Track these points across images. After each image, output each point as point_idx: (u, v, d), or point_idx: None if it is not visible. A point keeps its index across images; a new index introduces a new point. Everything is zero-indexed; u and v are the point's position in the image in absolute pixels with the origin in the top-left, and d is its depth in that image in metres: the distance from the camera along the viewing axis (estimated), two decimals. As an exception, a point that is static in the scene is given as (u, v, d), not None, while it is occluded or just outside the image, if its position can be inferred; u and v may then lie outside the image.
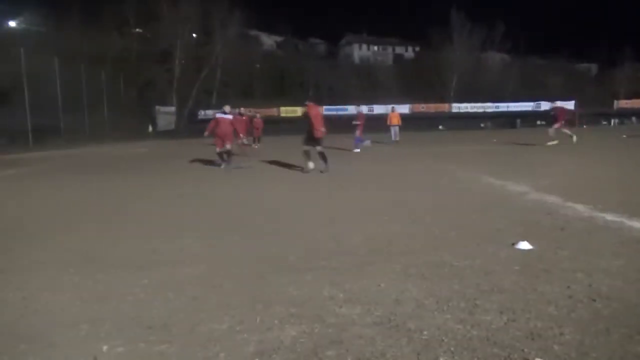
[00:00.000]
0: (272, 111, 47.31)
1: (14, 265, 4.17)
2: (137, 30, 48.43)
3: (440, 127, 48.18)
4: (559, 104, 20.64)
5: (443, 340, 2.50)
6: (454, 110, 51.92)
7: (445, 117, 50.72)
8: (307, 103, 11.13)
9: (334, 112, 47.36)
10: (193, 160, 15.00)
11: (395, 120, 22.44)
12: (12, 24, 34.99)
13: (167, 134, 41.24)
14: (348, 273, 3.67)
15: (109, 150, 22.42)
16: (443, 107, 52.31)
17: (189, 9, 45.09)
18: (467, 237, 4.59)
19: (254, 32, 62.76)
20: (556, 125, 17.69)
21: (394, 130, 22.35)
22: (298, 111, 48.30)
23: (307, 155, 10.57)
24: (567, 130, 17.98)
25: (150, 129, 39.62)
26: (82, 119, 32.92)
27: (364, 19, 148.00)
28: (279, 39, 69.64)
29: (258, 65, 56.03)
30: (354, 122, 18.38)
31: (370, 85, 57.58)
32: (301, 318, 2.85)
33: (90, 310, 3.10)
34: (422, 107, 51.03)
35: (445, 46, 55.29)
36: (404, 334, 2.59)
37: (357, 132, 18.21)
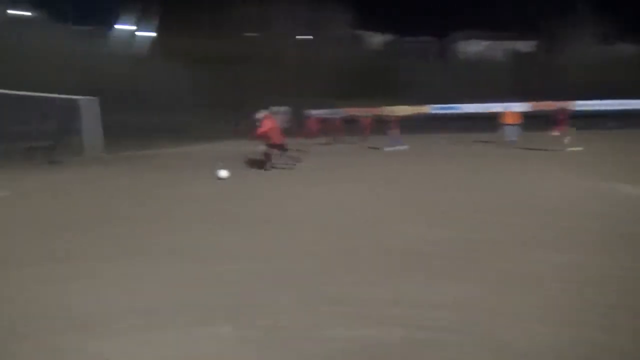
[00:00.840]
0: (377, 111, 46.77)
1: (119, 251, 4.37)
2: (250, 33, 50.86)
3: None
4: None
5: None
6: (579, 108, 47.19)
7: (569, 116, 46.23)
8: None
9: (442, 112, 45.63)
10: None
11: (510, 119, 20.77)
12: (143, 32, 38.60)
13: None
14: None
15: (213, 147, 23.66)
16: (565, 105, 47.75)
17: (296, 11, 46.32)
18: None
19: (359, 32, 62.72)
20: None
21: (509, 130, 20.67)
22: (405, 110, 47.37)
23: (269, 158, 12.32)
24: None
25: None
26: (188, 119, 35.06)
27: (476, 13, 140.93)
28: (385, 37, 68.86)
29: (364, 65, 55.80)
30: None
31: (482, 83, 54.56)
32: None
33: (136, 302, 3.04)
34: (541, 105, 47.12)
35: (569, 38, 50.50)
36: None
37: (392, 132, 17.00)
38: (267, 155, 12.63)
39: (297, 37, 48.86)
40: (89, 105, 19.98)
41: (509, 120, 20.75)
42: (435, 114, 46.82)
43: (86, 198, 8.12)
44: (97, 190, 9.05)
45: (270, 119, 13.04)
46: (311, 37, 50.46)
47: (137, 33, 38.98)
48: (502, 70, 56.51)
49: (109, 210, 6.90)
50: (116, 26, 37.62)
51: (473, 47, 73.25)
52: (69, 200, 7.97)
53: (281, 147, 12.78)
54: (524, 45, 73.49)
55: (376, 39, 69.86)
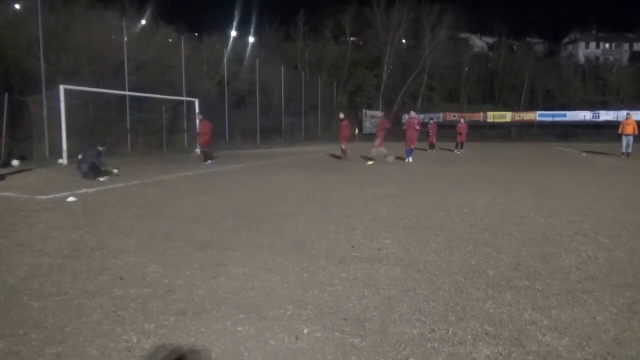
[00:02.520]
0: (478, 116, 45.16)
1: (240, 245, 4.87)
2: (352, 38, 51.67)
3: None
4: None
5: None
6: None
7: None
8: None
9: (550, 118, 42.94)
10: (390, 162, 15.35)
11: (629, 129, 19.10)
12: (250, 39, 40.91)
13: (372, 137, 42.98)
14: (556, 298, 3.31)
15: (318, 149, 24.40)
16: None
17: (401, 16, 46.18)
18: None
19: (464, 35, 60.86)
20: None
21: (627, 141, 19.04)
22: (507, 116, 45.27)
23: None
24: None
25: (357, 131, 41.79)
26: (299, 121, 36.64)
27: (593, 13, 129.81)
28: (491, 40, 66.09)
29: (466, 69, 54.11)
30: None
31: (597, 89, 50.41)
32: (497, 338, 2.68)
33: (295, 294, 3.45)
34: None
35: None
36: (624, 380, 2.22)
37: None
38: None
39: (400, 41, 48.66)
40: (193, 106, 21.78)
41: (627, 130, 19.12)
42: (540, 121, 43.97)
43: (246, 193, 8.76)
44: (248, 187, 9.75)
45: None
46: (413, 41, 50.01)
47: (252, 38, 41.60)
48: (622, 75, 51.57)
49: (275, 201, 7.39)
50: (234, 33, 40.51)
51: (588, 50, 67.89)
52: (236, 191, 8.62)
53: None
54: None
55: (480, 42, 67.39)
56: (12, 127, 15.50)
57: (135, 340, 2.70)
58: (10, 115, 15.07)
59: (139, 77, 22.02)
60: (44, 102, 16.70)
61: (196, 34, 37.07)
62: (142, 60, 22.92)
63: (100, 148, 11.42)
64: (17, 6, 20.98)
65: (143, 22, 27.48)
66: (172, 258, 4.37)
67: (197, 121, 17.22)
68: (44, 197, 8.15)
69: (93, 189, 9.12)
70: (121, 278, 3.79)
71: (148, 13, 29.52)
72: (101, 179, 10.66)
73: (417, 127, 16.79)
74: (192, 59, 26.14)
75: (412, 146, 16.56)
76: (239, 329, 2.85)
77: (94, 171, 10.80)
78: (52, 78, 17.18)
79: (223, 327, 2.86)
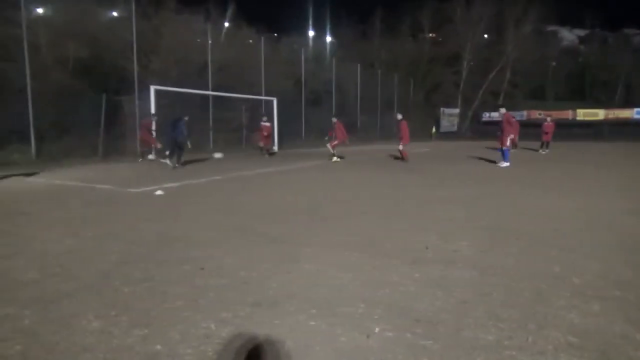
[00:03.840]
0: (566, 114, 42.29)
1: (312, 241, 4.96)
2: (430, 35, 50.46)
3: None
4: None
5: None
6: None
7: None
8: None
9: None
10: (468, 162, 14.81)
11: None
12: (327, 38, 41.34)
13: (449, 136, 41.80)
14: (651, 311, 3.04)
15: (393, 148, 24.13)
16: None
17: (482, 10, 44.34)
18: None
19: (552, 28, 57.25)
20: None
21: None
22: (599, 114, 42.00)
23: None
24: None
25: (434, 130, 40.83)
26: (375, 119, 36.44)
27: None
28: (582, 32, 61.72)
29: (554, 64, 50.95)
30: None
31: None
32: (582, 350, 2.52)
33: (367, 292, 3.45)
34: None
35: None
36: None
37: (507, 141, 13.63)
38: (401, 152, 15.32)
39: (481, 36, 46.72)
40: (272, 105, 22.32)
41: None
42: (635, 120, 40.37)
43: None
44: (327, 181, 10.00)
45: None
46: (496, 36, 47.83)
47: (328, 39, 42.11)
48: None
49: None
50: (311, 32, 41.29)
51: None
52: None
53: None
54: None
55: (571, 35, 63.11)
56: (109, 126, 16.83)
57: (213, 328, 2.84)
58: (107, 114, 16.38)
59: (220, 78, 23.03)
60: (137, 102, 18.02)
61: (275, 34, 38.09)
62: (224, 62, 23.93)
63: (185, 118, 13.26)
64: (114, 13, 22.78)
65: (226, 24, 28.69)
66: (246, 251, 4.55)
67: (262, 122, 18.04)
68: (135, 190, 8.79)
69: (178, 184, 9.71)
70: (202, 268, 4.00)
71: (229, 14, 30.81)
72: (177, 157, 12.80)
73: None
74: (270, 59, 26.84)
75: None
76: (311, 323, 2.90)
77: (175, 146, 12.92)
78: (143, 79, 18.46)
79: (295, 321, 2.93)
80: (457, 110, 46.51)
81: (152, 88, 16.68)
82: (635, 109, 41.47)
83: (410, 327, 2.83)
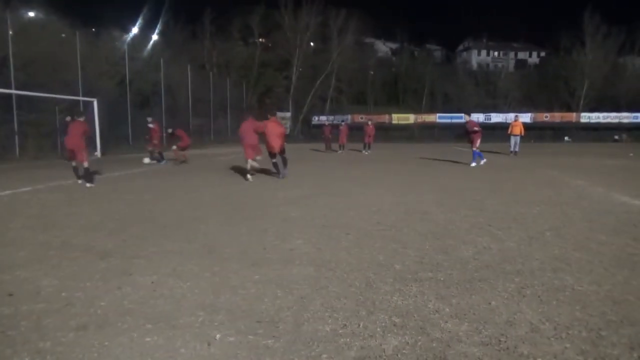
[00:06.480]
0: (384, 118, 47.22)
1: (147, 252, 4.64)
2: (260, 40, 51.45)
3: (566, 138, 44.10)
4: None
5: (560, 370, 2.30)
6: (583, 120, 47.14)
7: (571, 127, 46.25)
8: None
9: (448, 120, 45.96)
10: (304, 162, 15.51)
11: (517, 130, 21.03)
12: (154, 37, 39.16)
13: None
14: (456, 287, 3.54)
15: (229, 151, 24.02)
16: (570, 116, 47.64)
17: (308, 19, 46.83)
18: (592, 260, 4.18)
19: (369, 40, 63.23)
20: None
21: (514, 141, 20.98)
22: (410, 118, 47.80)
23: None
24: None
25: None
26: (208, 123, 35.74)
27: (484, 23, 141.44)
28: (394, 45, 69.38)
29: (372, 72, 56.29)
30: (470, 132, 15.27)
31: (488, 93, 54.92)
32: (404, 329, 2.81)
33: (207, 300, 3.35)
34: (546, 117, 47.20)
35: (575, 51, 50.47)
36: (515, 358, 2.43)
37: (475, 144, 15.03)
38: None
39: (308, 44, 49.19)
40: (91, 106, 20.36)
41: (515, 131, 20.98)
42: (440, 123, 47.23)
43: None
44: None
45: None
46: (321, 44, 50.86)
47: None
48: (509, 80, 56.69)
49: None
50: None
51: (480, 57, 73.60)
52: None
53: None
54: (532, 57, 73.84)
55: (384, 47, 70.35)
56: None
57: (28, 362, 2.46)
58: None
59: (27, 75, 20.16)
60: None
61: (93, 29, 34.71)
62: (31, 56, 21.00)
63: None
64: None
65: (31, 14, 25.21)
66: (69, 270, 4.06)
67: (149, 125, 16.51)
68: None
69: (-26, 198, 8.21)
70: (10, 294, 3.44)
71: (36, 3, 27.13)
72: None
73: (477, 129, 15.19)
74: (89, 56, 24.43)
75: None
76: (147, 339, 2.71)
77: None
78: None
79: (129, 340, 2.71)
80: (288, 114, 48.26)
81: None
82: (438, 114, 48.29)
83: (252, 329, 2.83)
